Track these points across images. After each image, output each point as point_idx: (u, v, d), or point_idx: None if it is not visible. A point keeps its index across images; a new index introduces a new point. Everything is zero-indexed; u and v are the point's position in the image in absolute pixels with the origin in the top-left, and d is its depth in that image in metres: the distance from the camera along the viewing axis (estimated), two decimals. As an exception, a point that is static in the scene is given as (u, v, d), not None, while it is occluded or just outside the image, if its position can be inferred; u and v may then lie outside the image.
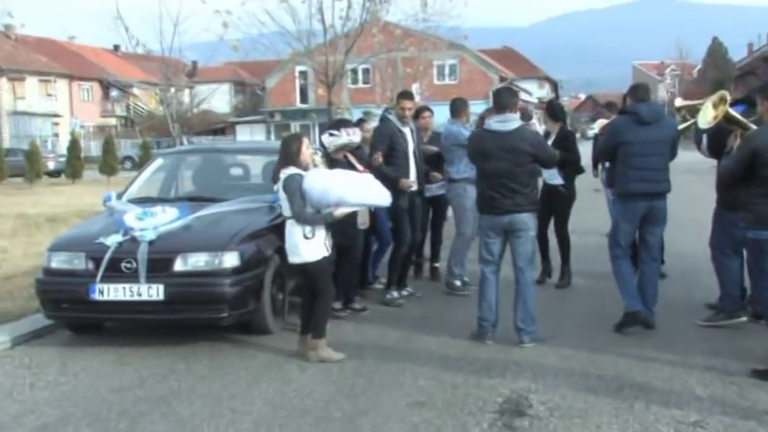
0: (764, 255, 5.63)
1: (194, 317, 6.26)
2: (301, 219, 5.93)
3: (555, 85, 78.17)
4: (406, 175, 7.78)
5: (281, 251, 6.52)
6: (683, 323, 6.86)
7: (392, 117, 7.94)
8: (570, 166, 8.43)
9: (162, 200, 7.33)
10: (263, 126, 54.24)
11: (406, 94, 8.22)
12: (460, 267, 8.44)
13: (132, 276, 6.12)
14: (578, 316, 7.25)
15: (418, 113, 8.75)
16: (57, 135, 53.85)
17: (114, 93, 62.47)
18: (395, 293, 7.98)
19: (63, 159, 33.82)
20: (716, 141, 6.68)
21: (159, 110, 56.33)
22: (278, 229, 6.53)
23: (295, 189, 5.92)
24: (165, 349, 6.32)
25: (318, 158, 6.68)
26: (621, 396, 5.14)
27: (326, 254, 6.07)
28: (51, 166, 36.05)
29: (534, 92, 66.11)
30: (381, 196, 6.40)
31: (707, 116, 6.32)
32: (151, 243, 6.20)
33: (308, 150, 6.19)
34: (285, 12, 22.40)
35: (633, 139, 6.65)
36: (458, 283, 8.36)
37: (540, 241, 8.64)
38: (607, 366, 5.75)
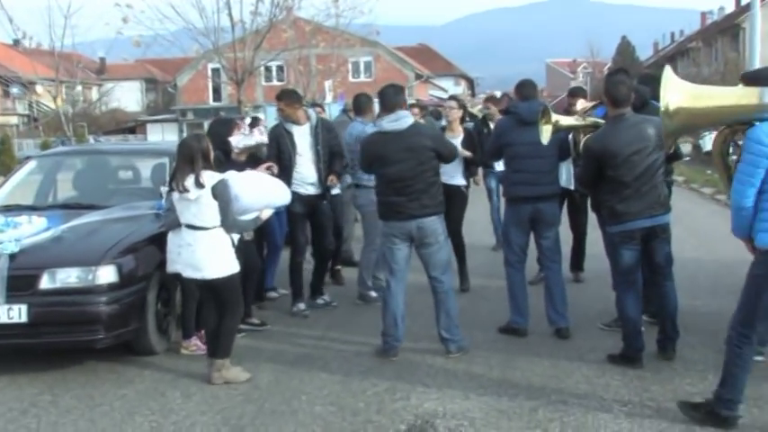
0: (617, 248, 5.55)
1: (65, 340, 5.54)
2: (236, 227, 5.44)
3: (471, 83, 78.62)
4: (288, 177, 7.09)
5: (164, 265, 5.95)
6: (589, 325, 6.59)
7: (281, 119, 7.41)
8: (475, 165, 8.17)
9: (33, 208, 6.57)
10: (176, 125, 52.74)
11: (281, 95, 7.49)
12: (374, 272, 7.95)
13: (-10, 296, 5.37)
14: (486, 323, 6.82)
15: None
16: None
17: (15, 90, 59.70)
18: (300, 305, 7.42)
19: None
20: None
21: (66, 108, 54.42)
22: (163, 239, 5.94)
23: (230, 196, 5.37)
24: (30, 378, 5.60)
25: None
26: (535, 420, 4.72)
27: (239, 267, 5.53)
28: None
29: (450, 89, 66.28)
30: (287, 194, 6.29)
31: (544, 135, 6.04)
32: (12, 257, 5.47)
33: None
34: (191, 6, 21.65)
35: (515, 141, 6.32)
36: (372, 293, 7.84)
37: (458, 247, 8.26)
38: (520, 383, 5.34)
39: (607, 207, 5.60)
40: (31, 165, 7.48)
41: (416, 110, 9.12)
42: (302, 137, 7.32)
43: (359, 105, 8.18)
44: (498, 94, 14.08)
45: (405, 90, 6.30)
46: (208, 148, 5.46)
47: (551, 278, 6.48)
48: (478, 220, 11.11)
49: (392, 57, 50.52)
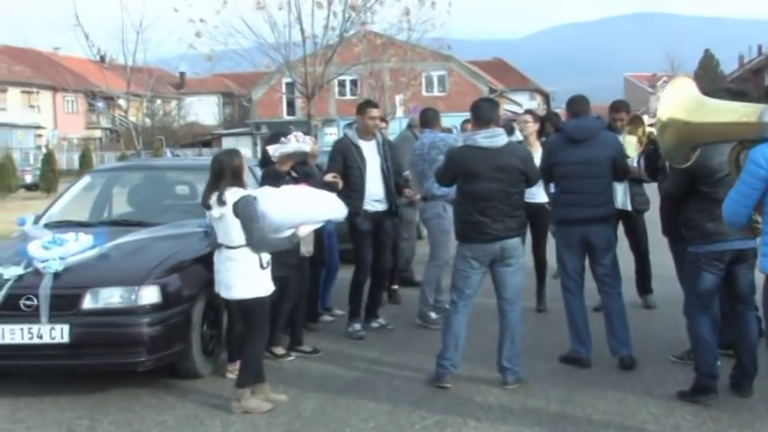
0: (699, 270, 5.17)
1: (106, 362, 5.41)
2: (263, 245, 5.17)
3: (546, 97, 77.56)
4: (361, 195, 6.98)
5: (211, 285, 5.75)
6: (658, 357, 6.15)
7: (349, 132, 7.19)
8: None
9: (83, 224, 6.49)
10: (250, 138, 53.43)
11: (372, 103, 7.44)
12: (436, 295, 7.66)
13: (33, 315, 5.26)
14: (547, 351, 6.42)
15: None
16: (39, 147, 52.92)
17: (99, 104, 61.57)
18: (356, 326, 7.17)
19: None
20: (652, 163, 5.97)
21: (145, 122, 55.78)
22: (210, 258, 5.76)
23: (254, 212, 5.14)
24: (70, 401, 5.46)
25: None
26: (595, 463, 4.34)
27: (273, 288, 5.31)
28: (29, 179, 35.16)
29: (525, 103, 65.43)
30: (339, 208, 5.85)
31: (631, 147, 5.69)
32: (56, 276, 5.37)
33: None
34: (263, 21, 21.73)
35: (564, 160, 5.98)
36: (433, 314, 7.55)
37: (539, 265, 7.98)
38: (580, 420, 4.95)
39: (696, 226, 5.20)
40: (86, 180, 7.43)
41: (530, 117, 8.65)
42: (370, 152, 7.16)
43: (426, 119, 7.95)
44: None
45: (499, 105, 6.01)
46: (239, 165, 5.27)
47: (610, 305, 6.09)
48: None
49: (466, 71, 50.11)
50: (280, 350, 6.49)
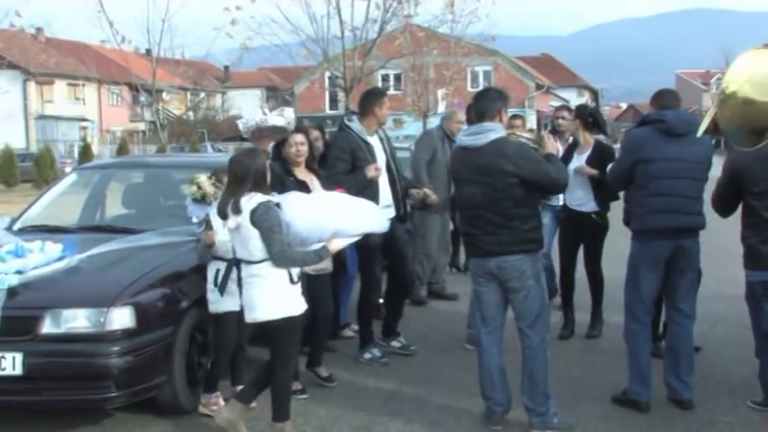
0: (759, 302, 4.71)
1: (68, 398, 4.52)
2: (288, 260, 4.35)
3: (595, 94, 75.71)
4: (374, 199, 6.03)
5: (202, 301, 4.90)
6: (731, 404, 5.11)
7: (354, 125, 6.14)
8: (606, 189, 6.65)
9: (62, 230, 5.67)
10: (292, 133, 52.89)
11: (384, 92, 6.46)
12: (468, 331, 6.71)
13: (-18, 341, 4.43)
14: (602, 386, 5.43)
15: None
16: (84, 140, 53.05)
17: (143, 97, 61.51)
18: (375, 351, 6.23)
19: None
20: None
21: (189, 115, 55.54)
22: (201, 272, 4.91)
23: (275, 222, 4.32)
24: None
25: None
26: None
27: (305, 306, 4.51)
28: (69, 171, 34.95)
29: (573, 100, 63.87)
30: (379, 219, 5.04)
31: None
32: (11, 293, 4.52)
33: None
34: (301, 11, 20.91)
35: (657, 156, 4.90)
36: None
37: (563, 283, 6.90)
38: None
39: (746, 246, 4.67)
40: (71, 178, 6.60)
41: (519, 122, 7.59)
42: (378, 149, 6.22)
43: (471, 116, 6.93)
44: (624, 105, 12.51)
45: (507, 98, 4.99)
46: (263, 167, 4.44)
47: (679, 336, 5.08)
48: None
49: (512, 66, 48.86)
50: (323, 371, 5.73)
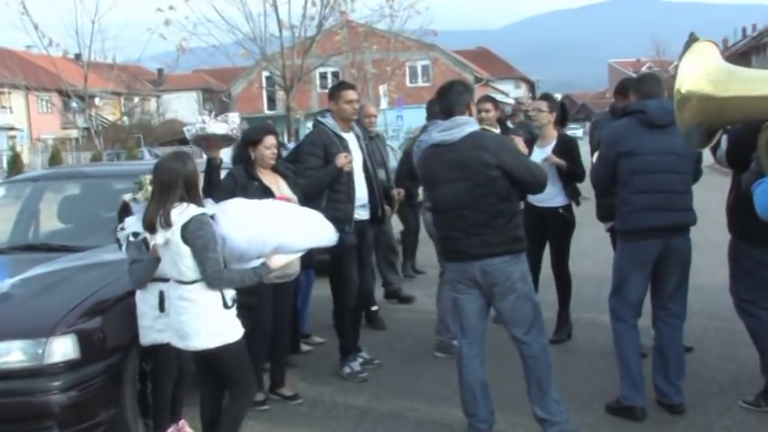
0: None
1: (4, 442, 4.05)
2: (223, 281, 3.86)
3: (532, 86, 76.41)
4: (350, 200, 5.66)
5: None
6: (723, 405, 4.84)
7: (328, 121, 5.75)
8: (575, 181, 6.34)
9: (-12, 250, 5.14)
10: (231, 134, 51.95)
11: (349, 84, 6.06)
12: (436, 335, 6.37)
13: None
14: (587, 392, 5.12)
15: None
16: (12, 149, 51.23)
17: (75, 103, 59.79)
18: (354, 365, 5.81)
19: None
20: (741, 146, 4.33)
21: (123, 120, 54.10)
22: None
23: (210, 238, 3.83)
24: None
25: None
26: None
27: (242, 330, 4.02)
28: (-3, 183, 33.71)
29: (511, 92, 64.32)
30: (327, 232, 4.48)
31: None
32: (-67, 328, 4.00)
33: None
34: (237, 10, 20.31)
35: (640, 149, 4.58)
36: (455, 341, 6.22)
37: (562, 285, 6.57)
38: None
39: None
40: (-1, 192, 6.03)
41: (489, 105, 6.87)
42: (354, 146, 5.83)
43: (432, 112, 6.53)
44: (559, 96, 12.38)
45: (473, 90, 4.64)
46: (193, 173, 3.96)
47: (668, 338, 4.78)
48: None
49: (450, 60, 48.80)
50: (287, 391, 5.32)
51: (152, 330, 4.33)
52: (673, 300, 4.77)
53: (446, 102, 4.42)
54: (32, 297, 4.33)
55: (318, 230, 4.47)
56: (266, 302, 5.05)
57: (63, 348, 4.03)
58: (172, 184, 3.86)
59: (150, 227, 3.90)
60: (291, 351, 6.03)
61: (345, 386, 5.59)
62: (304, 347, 6.44)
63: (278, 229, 4.20)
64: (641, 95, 4.74)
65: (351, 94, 5.75)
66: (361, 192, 5.80)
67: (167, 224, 3.82)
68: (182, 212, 3.83)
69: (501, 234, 4.24)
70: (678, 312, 4.78)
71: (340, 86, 5.93)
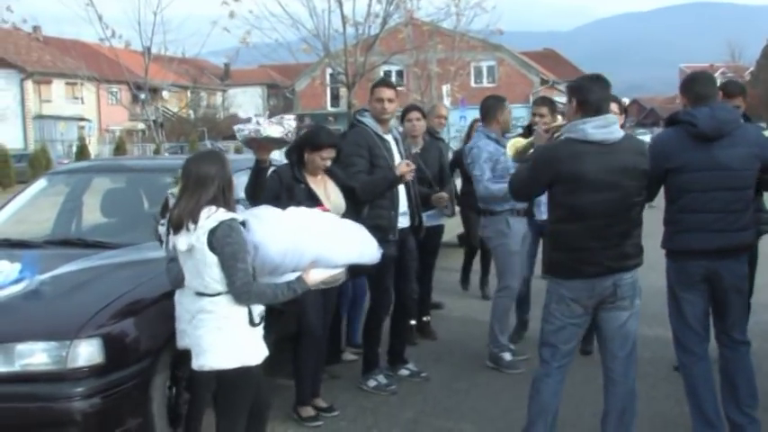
0: None
1: (24, 450, 3.82)
2: (253, 295, 3.56)
3: (599, 89, 74.95)
4: (393, 207, 5.33)
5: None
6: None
7: (368, 120, 5.42)
8: None
9: (23, 244, 4.94)
10: (293, 130, 52.14)
11: (385, 82, 5.72)
12: (508, 334, 6.08)
13: None
14: (646, 418, 4.70)
15: (403, 116, 6.37)
16: (83, 139, 52.37)
17: (143, 96, 60.84)
18: (380, 378, 5.50)
19: (78, 165, 32.07)
20: None
21: (189, 113, 54.80)
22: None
23: (240, 247, 3.53)
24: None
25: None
26: None
27: (266, 353, 3.72)
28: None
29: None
30: (371, 248, 4.21)
31: None
32: (-44, 325, 3.82)
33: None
34: (301, 5, 20.18)
35: (687, 165, 4.11)
36: (507, 356, 5.92)
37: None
38: None
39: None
40: (41, 184, 5.84)
41: (545, 110, 6.62)
42: (394, 149, 5.50)
43: (483, 111, 6.19)
44: (627, 100, 11.74)
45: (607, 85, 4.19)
46: (229, 174, 3.65)
47: (734, 364, 4.33)
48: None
49: (516, 61, 48.14)
50: (308, 411, 4.94)
51: (185, 334, 4.08)
52: (734, 328, 4.31)
53: (591, 97, 3.89)
54: (59, 296, 4.12)
55: (361, 245, 4.19)
56: (315, 305, 4.76)
57: (88, 352, 3.80)
58: (203, 183, 3.57)
59: (177, 225, 3.57)
60: (332, 361, 5.76)
61: (390, 401, 5.28)
62: (349, 356, 6.14)
63: (317, 240, 3.90)
64: (692, 99, 4.22)
65: (382, 92, 5.40)
66: (402, 198, 5.47)
67: (194, 223, 3.52)
68: (209, 216, 3.53)
69: (635, 246, 3.95)
70: (741, 339, 4.33)
71: (376, 83, 5.59)
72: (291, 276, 3.73)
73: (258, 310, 3.63)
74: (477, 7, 23.62)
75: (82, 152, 29.12)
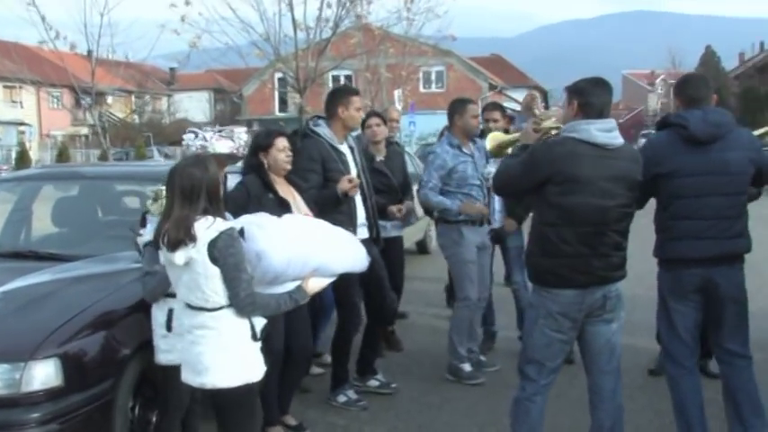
0: None
1: (-27, 481, 3.54)
2: (258, 307, 3.34)
3: (545, 94, 75.86)
4: (351, 218, 5.11)
5: (148, 346, 3.91)
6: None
7: (322, 130, 5.17)
8: None
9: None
10: (241, 136, 51.54)
11: (353, 89, 5.52)
12: (468, 344, 5.87)
13: None
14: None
15: (363, 122, 6.17)
16: (21, 144, 50.98)
17: (85, 100, 59.52)
18: (350, 393, 5.30)
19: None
20: None
21: (134, 118, 53.78)
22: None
23: (242, 255, 3.31)
24: None
25: None
26: None
27: (264, 368, 3.49)
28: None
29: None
30: (361, 256, 4.04)
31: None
32: None
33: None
34: (251, 8, 19.89)
35: (682, 170, 4.00)
36: (466, 367, 5.76)
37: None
38: None
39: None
40: (-13, 194, 5.53)
41: (498, 114, 6.36)
42: (350, 161, 5.29)
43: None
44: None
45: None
46: (217, 179, 3.41)
47: (735, 379, 4.19)
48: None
49: (465, 66, 48.40)
50: (277, 431, 4.70)
51: (158, 350, 3.85)
52: (731, 339, 4.17)
53: (597, 99, 3.73)
54: (12, 314, 3.83)
55: (353, 253, 4.01)
56: (278, 322, 4.53)
57: (45, 374, 3.54)
58: (194, 193, 3.30)
59: (174, 244, 3.27)
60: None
61: (360, 417, 5.08)
62: (315, 370, 5.91)
63: (319, 248, 3.70)
64: (685, 101, 4.13)
65: (359, 101, 5.25)
66: (360, 210, 5.28)
67: (191, 240, 3.26)
68: (208, 227, 3.28)
69: (622, 257, 3.78)
70: (739, 351, 4.18)
71: (347, 91, 5.37)
72: (291, 286, 3.53)
73: (261, 323, 3.41)
74: (428, 12, 23.46)
75: (22, 158, 28.29)
